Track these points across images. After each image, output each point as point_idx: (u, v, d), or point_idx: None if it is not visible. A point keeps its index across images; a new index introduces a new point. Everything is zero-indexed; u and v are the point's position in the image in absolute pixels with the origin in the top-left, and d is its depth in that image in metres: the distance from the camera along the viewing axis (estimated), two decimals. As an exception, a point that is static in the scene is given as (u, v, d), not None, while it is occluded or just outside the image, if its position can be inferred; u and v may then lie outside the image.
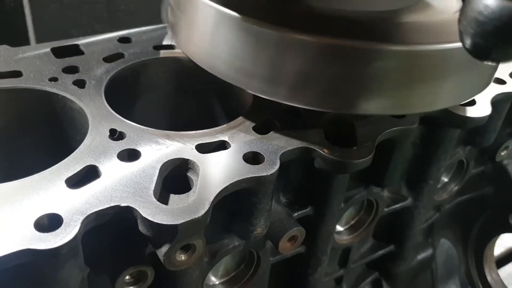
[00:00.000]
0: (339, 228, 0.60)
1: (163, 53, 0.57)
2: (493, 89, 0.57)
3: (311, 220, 0.53)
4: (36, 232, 0.34)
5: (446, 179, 0.69)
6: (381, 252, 0.67)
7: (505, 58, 0.31)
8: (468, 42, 0.31)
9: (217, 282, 0.53)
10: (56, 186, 0.38)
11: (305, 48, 0.41)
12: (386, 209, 0.61)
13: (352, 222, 0.61)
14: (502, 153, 0.67)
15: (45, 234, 0.34)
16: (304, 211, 0.52)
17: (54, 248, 0.33)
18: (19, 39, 0.80)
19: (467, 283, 0.79)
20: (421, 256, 0.73)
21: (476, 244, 0.76)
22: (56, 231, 0.34)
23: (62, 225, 0.35)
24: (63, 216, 0.35)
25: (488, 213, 0.73)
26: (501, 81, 0.59)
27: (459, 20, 0.31)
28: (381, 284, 0.70)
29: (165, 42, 0.59)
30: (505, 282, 1.03)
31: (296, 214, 0.52)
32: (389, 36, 0.44)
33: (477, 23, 0.30)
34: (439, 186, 0.69)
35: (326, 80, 0.43)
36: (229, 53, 0.45)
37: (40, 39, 0.80)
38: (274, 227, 0.49)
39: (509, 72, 0.61)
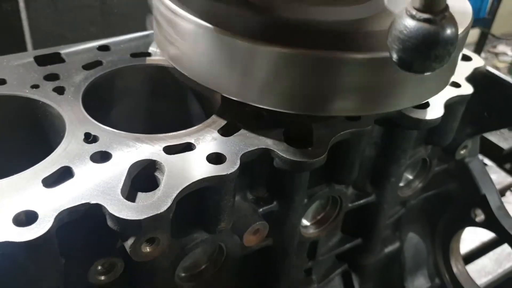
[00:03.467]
0: (305, 222, 0.64)
1: (140, 60, 0.61)
2: (448, 92, 0.61)
3: (277, 215, 0.57)
4: (15, 226, 0.38)
5: (411, 177, 0.73)
6: (348, 245, 0.71)
7: (425, 70, 0.35)
8: (394, 56, 0.35)
9: (183, 274, 0.57)
10: (33, 185, 0.42)
11: (270, 57, 0.46)
12: (351, 205, 0.65)
13: (319, 217, 0.65)
14: (462, 152, 0.71)
15: (22, 228, 0.38)
16: (269, 206, 0.56)
17: (30, 241, 0.37)
18: (16, 42, 0.84)
19: (435, 274, 0.83)
20: (388, 249, 0.77)
21: (442, 238, 0.81)
22: (32, 225, 0.38)
23: (38, 221, 0.39)
24: (38, 213, 0.39)
25: (452, 208, 0.78)
26: (456, 85, 0.63)
27: (387, 37, 0.36)
28: (350, 276, 0.74)
29: (151, 48, 0.63)
30: (479, 275, 1.08)
31: (262, 209, 0.56)
32: (346, 45, 0.48)
33: (399, 41, 0.34)
34: (404, 183, 0.73)
35: (288, 84, 0.47)
36: (206, 60, 0.49)
37: (36, 42, 0.84)
38: (239, 222, 0.53)
39: (465, 76, 0.65)
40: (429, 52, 0.33)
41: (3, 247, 0.37)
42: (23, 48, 0.97)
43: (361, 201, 0.67)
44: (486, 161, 1.43)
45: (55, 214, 0.39)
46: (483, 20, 4.22)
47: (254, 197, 0.56)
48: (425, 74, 0.36)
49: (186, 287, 0.56)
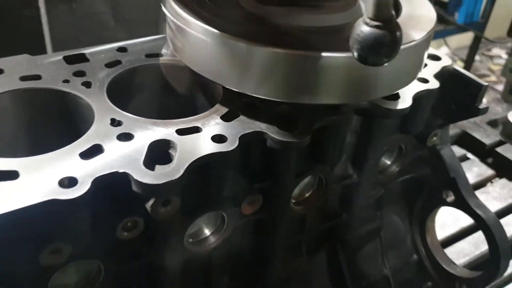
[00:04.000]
0: (295, 199, 0.74)
1: (153, 60, 0.71)
2: (417, 87, 0.71)
3: (270, 191, 0.67)
4: (60, 188, 0.49)
5: (389, 162, 0.84)
6: (334, 221, 0.81)
7: (377, 64, 0.45)
8: (354, 53, 0.46)
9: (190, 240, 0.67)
10: (72, 158, 0.52)
11: (264, 55, 0.56)
12: (335, 184, 0.76)
13: (307, 195, 0.75)
14: (432, 139, 0.81)
15: (66, 189, 0.48)
16: (263, 183, 0.67)
17: (72, 199, 0.48)
18: (36, 45, 0.93)
19: (413, 251, 0.94)
20: (370, 226, 0.87)
21: (419, 217, 0.91)
22: (74, 187, 0.49)
23: (77, 184, 0.49)
24: (78, 178, 0.49)
25: (426, 190, 0.88)
26: (425, 80, 0.73)
27: (350, 39, 0.46)
28: (335, 249, 0.84)
29: (163, 50, 0.73)
30: (457, 256, 1.18)
31: (257, 185, 0.66)
32: (327, 46, 0.58)
33: (357, 42, 0.44)
34: (383, 167, 0.83)
35: (279, 78, 0.58)
36: (212, 58, 0.59)
37: (55, 45, 0.93)
38: (238, 193, 0.63)
39: (434, 73, 0.75)
40: (379, 50, 0.43)
41: (51, 204, 0.48)
42: (43, 51, 1.07)
43: (344, 182, 0.77)
44: (470, 155, 1.54)
45: (91, 179, 0.50)
46: (477, 24, 4.33)
47: (251, 175, 0.66)
48: (381, 66, 0.47)
49: (193, 251, 0.66)
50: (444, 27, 4.10)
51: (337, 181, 0.76)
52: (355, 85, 0.59)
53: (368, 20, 0.43)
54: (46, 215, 0.48)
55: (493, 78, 5.09)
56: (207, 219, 0.67)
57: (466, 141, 1.56)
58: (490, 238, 0.82)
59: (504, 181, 1.43)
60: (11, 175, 0.50)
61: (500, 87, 4.76)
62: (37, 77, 0.65)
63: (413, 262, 0.95)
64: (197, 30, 0.58)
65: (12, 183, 0.49)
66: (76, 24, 1.00)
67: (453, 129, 1.62)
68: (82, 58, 0.70)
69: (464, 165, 1.48)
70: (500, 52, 5.46)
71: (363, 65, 0.53)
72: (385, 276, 0.91)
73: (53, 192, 0.48)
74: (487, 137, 1.54)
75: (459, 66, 0.79)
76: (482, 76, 5.12)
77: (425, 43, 0.64)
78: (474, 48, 4.46)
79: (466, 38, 4.62)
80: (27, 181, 0.49)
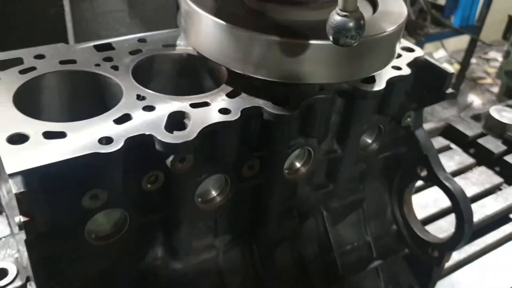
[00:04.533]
0: (288, 167, 0.87)
1: (169, 49, 0.85)
2: (391, 73, 0.84)
3: (266, 159, 0.80)
4: (99, 145, 0.62)
5: (369, 140, 0.96)
6: (322, 190, 0.94)
7: (346, 45, 0.58)
8: (330, 37, 0.59)
9: (199, 199, 0.80)
10: (108, 123, 0.65)
11: (263, 42, 0.69)
12: (322, 157, 0.89)
13: (298, 165, 0.88)
14: (406, 120, 0.94)
15: (104, 145, 0.61)
16: (260, 152, 0.80)
17: (110, 152, 0.61)
18: (59, 40, 1.06)
19: (392, 221, 1.07)
20: (354, 197, 1.00)
21: (397, 190, 1.04)
22: (110, 144, 0.62)
23: (113, 142, 0.62)
24: (113, 138, 0.63)
25: (403, 166, 1.01)
26: (398, 68, 0.86)
27: (326, 26, 0.59)
28: (323, 216, 0.97)
29: (178, 41, 0.86)
30: (436, 232, 1.30)
31: (255, 153, 0.79)
32: (313, 35, 0.71)
33: (331, 28, 0.58)
34: (365, 145, 0.96)
35: (276, 61, 0.71)
36: (220, 46, 0.72)
37: (77, 40, 1.07)
38: (239, 159, 0.76)
39: (407, 62, 0.88)
40: (347, 33, 0.57)
41: (93, 156, 0.61)
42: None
43: (330, 155, 0.90)
44: (453, 146, 1.66)
45: (124, 139, 0.63)
46: (473, 27, 4.46)
47: (250, 145, 0.79)
48: (351, 47, 0.60)
49: (202, 208, 0.79)
50: (441, 30, 4.24)
51: (324, 154, 0.89)
52: (336, 67, 0.72)
53: (339, 11, 0.56)
54: (88, 166, 0.61)
55: (489, 80, 5.22)
56: (214, 182, 0.80)
57: (450, 133, 1.69)
58: (456, 206, 0.95)
59: (482, 168, 1.56)
60: (60, 134, 0.63)
61: (496, 89, 4.90)
62: (73, 62, 0.78)
63: (393, 231, 1.07)
64: (207, 22, 0.71)
65: (62, 140, 0.62)
66: (96, 20, 1.13)
67: (439, 122, 1.76)
68: (109, 47, 0.83)
69: (447, 154, 1.62)
70: (496, 55, 5.59)
71: (342, 50, 0.66)
72: (367, 242, 1.04)
73: (94, 147, 0.61)
74: (470, 129, 1.67)
75: (452, 67, 0.92)
76: (478, 78, 5.25)
77: (396, 34, 0.77)
78: (470, 50, 4.59)
79: (463, 41, 4.75)
80: (73, 139, 0.62)
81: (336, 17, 0.56)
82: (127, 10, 1.09)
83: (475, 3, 4.32)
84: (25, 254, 0.75)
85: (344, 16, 0.56)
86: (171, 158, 0.65)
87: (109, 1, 1.10)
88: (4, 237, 1.21)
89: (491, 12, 4.41)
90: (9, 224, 1.07)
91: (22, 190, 0.56)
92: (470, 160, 1.59)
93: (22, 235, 0.65)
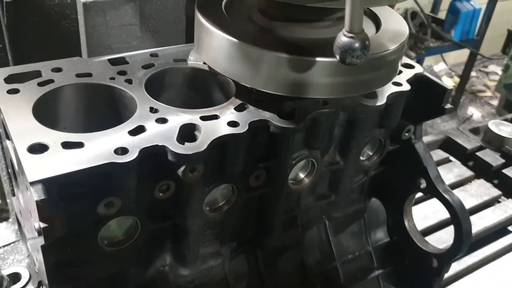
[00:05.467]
0: (293, 178, 0.90)
1: (180, 63, 0.88)
2: (391, 89, 0.88)
3: (272, 169, 0.84)
4: (115, 155, 0.65)
5: (371, 153, 1.00)
6: (324, 200, 0.97)
7: (353, 64, 0.62)
8: (336, 56, 0.63)
9: (208, 208, 0.83)
10: (123, 134, 0.69)
11: (272, 59, 0.73)
12: (324, 169, 0.92)
13: (302, 176, 0.91)
14: (406, 134, 0.98)
15: (120, 156, 0.65)
16: (267, 163, 0.83)
17: (126, 162, 0.64)
18: (72, 52, 1.09)
19: (392, 231, 1.10)
20: (355, 207, 1.03)
21: (397, 202, 1.07)
22: (126, 155, 0.65)
23: (128, 153, 0.65)
24: (128, 148, 0.66)
25: (403, 178, 1.04)
26: (398, 84, 0.90)
27: (333, 46, 0.63)
28: (325, 225, 1.00)
29: (190, 57, 0.90)
30: (435, 243, 1.33)
31: (261, 164, 0.83)
32: (319, 53, 0.75)
33: (338, 48, 0.61)
34: (366, 157, 0.99)
35: (283, 76, 0.74)
36: (231, 61, 0.76)
37: (90, 52, 1.10)
38: (246, 170, 0.80)
39: (407, 78, 0.92)
40: (353, 53, 0.60)
41: (108, 166, 0.64)
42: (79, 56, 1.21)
43: (333, 167, 0.93)
44: (452, 158, 1.70)
45: (138, 149, 0.66)
46: (472, 41, 4.52)
47: (258, 155, 0.83)
48: (361, 64, 0.63)
49: (210, 216, 0.82)
50: (441, 43, 4.31)
51: (327, 166, 0.92)
52: (340, 83, 0.76)
53: (345, 33, 0.60)
54: (104, 175, 0.65)
55: (488, 93, 5.27)
56: (221, 191, 0.84)
57: (449, 145, 1.72)
58: (455, 218, 0.98)
59: (481, 181, 1.59)
60: (78, 144, 0.66)
61: (495, 102, 4.94)
62: (89, 75, 0.82)
63: (393, 241, 1.10)
64: (220, 39, 0.75)
65: (80, 150, 0.66)
66: (108, 33, 1.15)
67: (438, 135, 1.79)
68: (123, 61, 0.87)
69: (446, 166, 1.65)
70: (496, 69, 5.65)
71: (347, 68, 0.70)
72: (368, 252, 1.07)
73: (110, 157, 0.65)
74: (468, 142, 1.71)
75: (452, 80, 0.96)
76: (478, 91, 5.30)
77: (398, 52, 0.81)
78: (470, 64, 4.65)
79: (463, 54, 4.82)
80: (91, 149, 0.66)
81: (343, 38, 0.60)
82: (139, 24, 1.13)
83: (475, 17, 4.40)
84: (38, 259, 0.78)
85: (351, 37, 0.60)
86: (182, 168, 0.69)
87: (122, 15, 1.13)
88: (12, 242, 1.24)
89: (490, 26, 4.48)
90: (19, 230, 1.11)
91: (42, 197, 0.60)
92: (468, 173, 1.62)
93: (37, 241, 0.68)
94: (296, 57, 0.72)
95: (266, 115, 0.76)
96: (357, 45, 0.60)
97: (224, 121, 0.74)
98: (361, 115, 0.87)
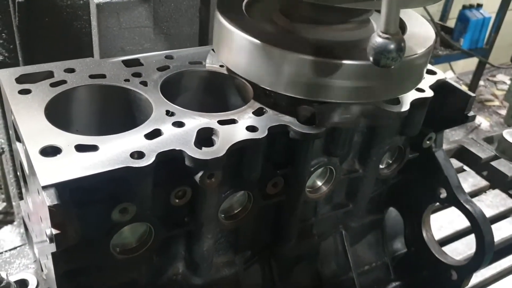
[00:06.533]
0: (310, 186, 0.87)
1: (195, 66, 0.86)
2: (414, 95, 0.85)
3: (290, 176, 0.81)
4: (131, 159, 0.62)
5: (390, 161, 0.97)
6: (342, 210, 0.94)
7: (387, 66, 0.59)
8: (370, 58, 0.60)
9: (222, 215, 0.80)
10: (139, 138, 0.66)
11: (295, 60, 0.70)
12: (343, 177, 0.89)
13: (320, 184, 0.88)
14: (427, 142, 0.95)
15: (137, 160, 0.62)
16: (285, 169, 0.80)
17: (142, 167, 0.61)
18: (84, 53, 1.07)
19: (410, 241, 1.06)
20: (372, 217, 1.00)
21: (416, 211, 1.03)
22: (142, 159, 0.62)
23: (145, 157, 0.63)
24: (145, 152, 0.63)
25: (423, 188, 1.01)
26: (421, 90, 0.87)
27: (367, 47, 0.60)
28: (342, 235, 0.97)
29: (208, 60, 0.87)
30: (451, 254, 1.29)
31: (279, 171, 0.80)
32: (344, 55, 0.72)
33: (372, 49, 0.59)
34: (385, 165, 0.96)
35: (306, 79, 0.71)
36: (252, 63, 0.73)
37: (102, 53, 1.08)
38: (264, 176, 0.77)
39: (429, 84, 0.89)
40: (388, 55, 0.58)
41: (124, 170, 0.61)
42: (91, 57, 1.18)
43: (351, 175, 0.90)
44: (466, 168, 1.66)
45: (155, 153, 0.64)
46: (481, 50, 4.49)
47: (276, 162, 0.80)
48: (391, 68, 0.60)
49: (224, 224, 0.79)
50: (450, 52, 4.27)
51: (345, 174, 0.89)
52: (365, 87, 0.73)
53: (380, 33, 0.57)
54: (119, 180, 0.62)
55: (496, 102, 5.23)
56: (237, 198, 0.81)
57: (464, 155, 1.69)
58: (477, 229, 0.94)
59: (497, 191, 1.56)
60: (93, 148, 0.64)
61: (503, 112, 4.90)
62: (103, 76, 0.80)
63: (411, 252, 1.07)
64: (241, 39, 0.73)
65: (94, 153, 0.63)
66: (121, 35, 1.13)
67: (452, 144, 1.76)
68: (138, 63, 0.85)
69: (461, 176, 1.61)
70: (504, 78, 5.61)
71: (373, 71, 0.67)
72: (385, 263, 1.04)
73: (126, 161, 0.62)
74: (483, 151, 1.67)
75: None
76: (486, 100, 5.26)
77: (425, 56, 0.78)
78: (478, 73, 4.61)
79: (471, 63, 4.78)
80: (105, 153, 0.63)
81: (377, 39, 0.57)
82: (152, 26, 1.11)
83: (485, 26, 4.36)
84: (47, 265, 0.75)
85: (386, 38, 0.57)
86: (200, 174, 0.66)
87: (135, 17, 1.11)
88: (18, 246, 1.21)
89: (500, 35, 4.44)
90: (26, 234, 1.08)
91: (55, 202, 0.57)
92: (483, 183, 1.58)
93: (46, 247, 0.65)
94: (321, 59, 0.70)
95: (286, 119, 0.74)
96: (392, 46, 0.57)
97: (242, 125, 0.71)
98: (383, 122, 0.84)
